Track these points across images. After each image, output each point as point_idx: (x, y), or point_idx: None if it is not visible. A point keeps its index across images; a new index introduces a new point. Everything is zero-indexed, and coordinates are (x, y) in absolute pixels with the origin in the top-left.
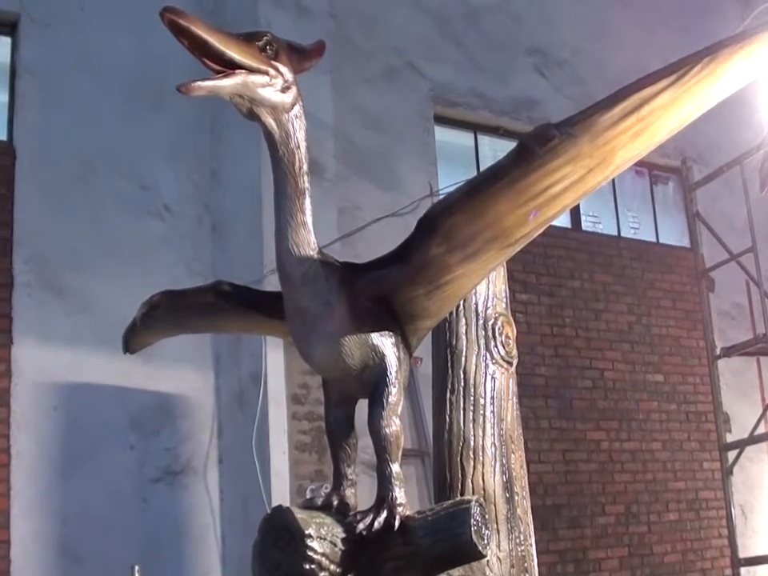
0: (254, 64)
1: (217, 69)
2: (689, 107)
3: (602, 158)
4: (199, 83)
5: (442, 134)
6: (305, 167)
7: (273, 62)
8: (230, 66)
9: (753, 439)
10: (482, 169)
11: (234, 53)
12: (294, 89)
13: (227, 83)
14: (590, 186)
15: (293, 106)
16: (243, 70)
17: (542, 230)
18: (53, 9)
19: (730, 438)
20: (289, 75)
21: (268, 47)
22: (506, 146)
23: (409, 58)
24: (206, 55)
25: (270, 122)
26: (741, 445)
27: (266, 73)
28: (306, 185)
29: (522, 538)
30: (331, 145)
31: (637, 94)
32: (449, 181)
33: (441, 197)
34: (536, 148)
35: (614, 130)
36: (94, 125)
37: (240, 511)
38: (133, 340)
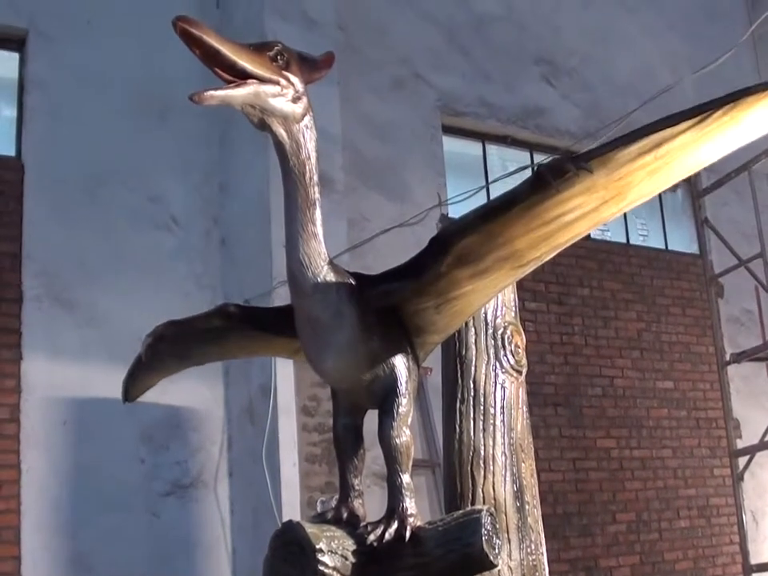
0: (266, 74)
1: (228, 78)
2: (707, 150)
3: (617, 191)
4: (211, 92)
5: (450, 143)
6: (315, 178)
7: (284, 72)
8: (241, 76)
9: (763, 445)
10: (490, 178)
11: (245, 63)
12: (304, 99)
13: (239, 93)
14: (603, 217)
15: (303, 116)
16: (255, 80)
17: (553, 255)
18: (60, 24)
19: (740, 444)
20: (300, 86)
21: (279, 57)
22: (515, 155)
23: (416, 69)
24: (218, 65)
25: (281, 132)
26: (751, 451)
27: (277, 83)
28: (317, 195)
29: (533, 547)
30: (339, 156)
31: (657, 133)
32: (457, 191)
33: (449, 207)
34: (551, 180)
35: (630, 166)
36: (102, 139)
37: (251, 523)
38: (134, 384)
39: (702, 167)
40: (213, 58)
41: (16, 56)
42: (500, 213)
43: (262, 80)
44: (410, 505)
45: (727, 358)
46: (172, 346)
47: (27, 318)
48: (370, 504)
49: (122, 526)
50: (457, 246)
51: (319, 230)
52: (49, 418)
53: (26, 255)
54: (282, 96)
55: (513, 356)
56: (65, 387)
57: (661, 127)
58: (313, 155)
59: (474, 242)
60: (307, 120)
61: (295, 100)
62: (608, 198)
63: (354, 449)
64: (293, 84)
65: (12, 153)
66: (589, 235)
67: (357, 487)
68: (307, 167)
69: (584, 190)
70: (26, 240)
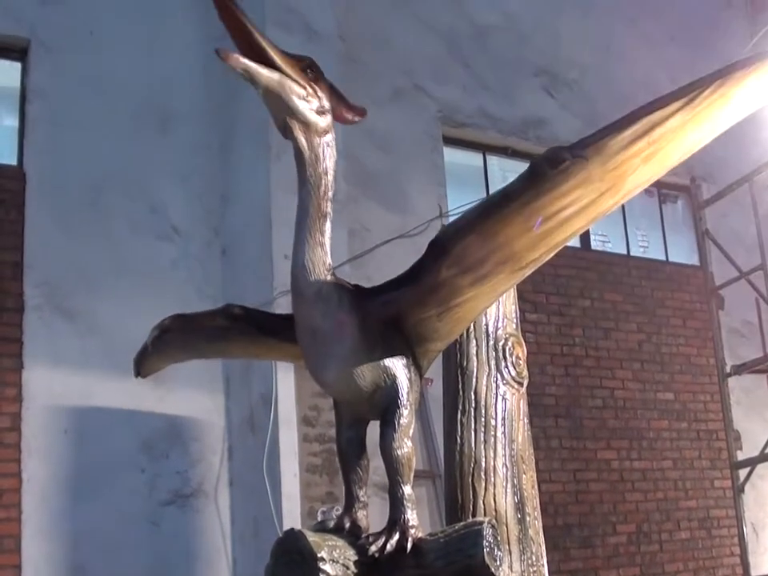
0: (293, 74)
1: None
2: (700, 131)
3: (613, 182)
4: (239, 57)
5: (451, 154)
6: (330, 193)
7: (311, 83)
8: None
9: (764, 457)
10: (491, 189)
11: (275, 55)
12: (328, 117)
13: (265, 72)
14: (600, 211)
15: (326, 132)
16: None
17: (552, 255)
18: (62, 34)
19: (740, 456)
20: (326, 102)
21: (309, 70)
22: (515, 166)
23: (417, 79)
24: (248, 46)
25: (302, 140)
26: (752, 463)
27: (304, 87)
28: (329, 210)
29: (533, 558)
30: (340, 166)
31: (648, 116)
32: (458, 202)
33: (450, 218)
34: (547, 170)
35: (624, 153)
36: (104, 148)
37: (251, 534)
38: (143, 364)
39: (695, 150)
40: (243, 39)
41: (18, 65)
42: (497, 210)
43: (289, 77)
44: (411, 516)
45: (728, 369)
46: (177, 338)
47: (28, 327)
48: (371, 515)
49: (122, 535)
50: (455, 247)
51: (326, 241)
52: (50, 427)
53: (28, 264)
54: (306, 102)
55: (514, 367)
56: (66, 396)
57: (652, 109)
58: (330, 172)
59: (473, 242)
60: (329, 138)
61: (319, 113)
62: (604, 190)
63: (357, 460)
64: (320, 98)
65: (14, 162)
66: (589, 246)
67: (362, 498)
68: (323, 181)
69: (580, 183)
70: (27, 249)
